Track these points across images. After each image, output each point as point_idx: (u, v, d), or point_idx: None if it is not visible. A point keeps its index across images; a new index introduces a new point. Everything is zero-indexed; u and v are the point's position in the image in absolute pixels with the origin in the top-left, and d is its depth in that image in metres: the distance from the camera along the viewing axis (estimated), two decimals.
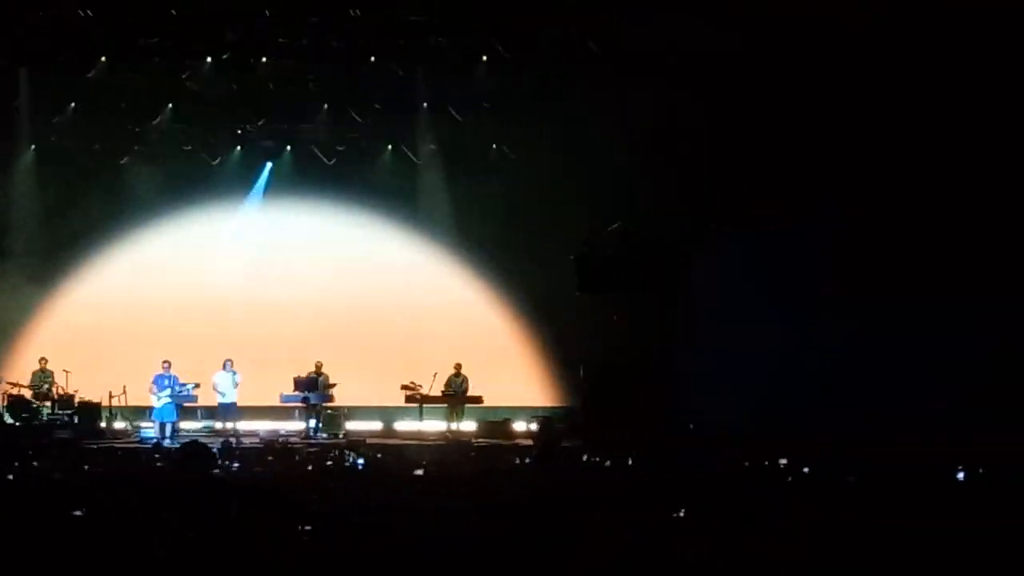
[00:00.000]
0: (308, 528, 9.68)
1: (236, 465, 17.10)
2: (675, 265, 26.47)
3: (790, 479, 15.31)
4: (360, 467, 16.95)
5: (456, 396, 27.91)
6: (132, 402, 27.43)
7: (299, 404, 27.92)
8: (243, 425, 27.39)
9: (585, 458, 18.61)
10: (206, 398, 27.69)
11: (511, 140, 29.15)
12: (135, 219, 29.75)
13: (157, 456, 18.40)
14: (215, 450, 16.58)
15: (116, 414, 27.53)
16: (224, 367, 27.71)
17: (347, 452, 18.78)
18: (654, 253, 26.63)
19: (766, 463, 16.64)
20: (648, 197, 26.88)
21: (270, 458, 18.67)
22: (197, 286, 29.85)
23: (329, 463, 17.94)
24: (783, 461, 16.68)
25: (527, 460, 18.55)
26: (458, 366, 28.10)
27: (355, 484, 14.28)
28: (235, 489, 13.04)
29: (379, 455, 19.14)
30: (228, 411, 27.66)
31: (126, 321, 29.49)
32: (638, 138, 26.02)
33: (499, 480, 13.49)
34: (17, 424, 26.08)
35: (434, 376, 27.68)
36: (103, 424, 27.03)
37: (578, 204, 27.64)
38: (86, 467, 17.21)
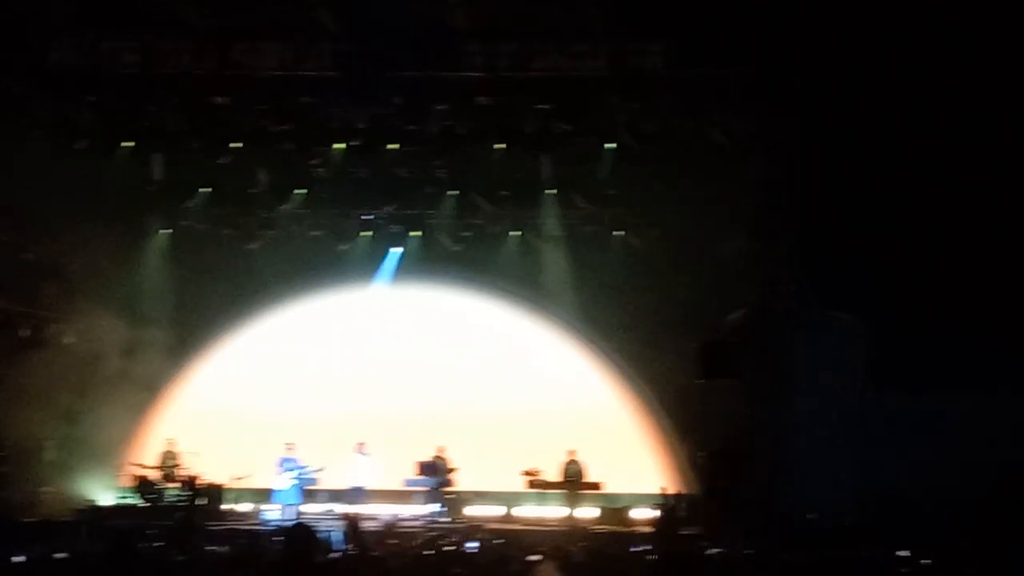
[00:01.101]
0: None
1: (358, 549, 17.18)
2: (788, 349, 26.17)
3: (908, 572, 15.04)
4: (473, 551, 16.96)
5: (574, 483, 27.72)
6: (257, 484, 27.67)
7: (423, 488, 27.96)
8: (366, 508, 27.47)
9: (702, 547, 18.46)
10: (331, 480, 27.84)
11: (634, 226, 29.17)
12: (263, 303, 30.14)
13: (273, 539, 18.53)
14: (338, 534, 16.70)
15: (240, 496, 27.79)
16: (358, 450, 27.93)
17: (464, 536, 18.81)
18: (769, 337, 26.38)
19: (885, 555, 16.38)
20: (766, 283, 26.69)
21: (391, 541, 18.77)
22: (323, 370, 30.16)
23: (446, 547, 17.96)
24: (904, 552, 16.40)
25: (643, 548, 18.43)
26: (571, 452, 27.91)
27: (467, 568, 14.31)
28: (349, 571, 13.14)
29: (495, 540, 19.11)
30: (357, 494, 27.80)
31: (253, 403, 29.82)
32: (759, 226, 25.95)
33: (609, 566, 13.48)
34: (142, 505, 26.38)
35: (556, 463, 27.61)
36: (226, 506, 27.30)
37: (699, 290, 27.45)
38: (207, 549, 17.41)
